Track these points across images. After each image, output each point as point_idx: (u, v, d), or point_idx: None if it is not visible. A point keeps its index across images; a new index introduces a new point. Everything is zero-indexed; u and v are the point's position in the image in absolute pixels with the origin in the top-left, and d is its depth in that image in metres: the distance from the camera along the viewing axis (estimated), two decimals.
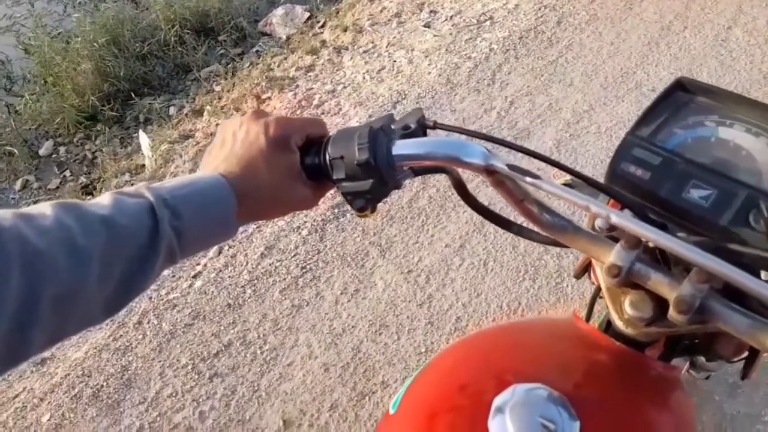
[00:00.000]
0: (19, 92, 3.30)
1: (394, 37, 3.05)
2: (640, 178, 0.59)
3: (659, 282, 0.57)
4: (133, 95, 3.12)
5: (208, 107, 2.90)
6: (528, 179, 0.54)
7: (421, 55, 2.87)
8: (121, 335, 1.81)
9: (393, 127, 0.60)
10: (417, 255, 1.97)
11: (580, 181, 0.59)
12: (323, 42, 3.16)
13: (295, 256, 2.00)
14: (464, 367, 0.65)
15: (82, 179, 2.82)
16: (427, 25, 3.09)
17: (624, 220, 0.50)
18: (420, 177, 2.17)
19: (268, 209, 0.60)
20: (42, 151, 2.96)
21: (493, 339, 0.70)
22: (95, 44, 3.15)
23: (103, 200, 0.49)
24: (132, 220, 0.48)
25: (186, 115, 2.95)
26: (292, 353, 1.74)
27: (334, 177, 0.57)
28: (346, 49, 3.05)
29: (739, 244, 0.54)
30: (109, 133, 3.00)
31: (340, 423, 1.58)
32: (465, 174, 0.67)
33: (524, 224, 0.70)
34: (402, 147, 0.57)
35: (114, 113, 3.04)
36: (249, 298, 1.89)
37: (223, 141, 0.60)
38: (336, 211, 2.10)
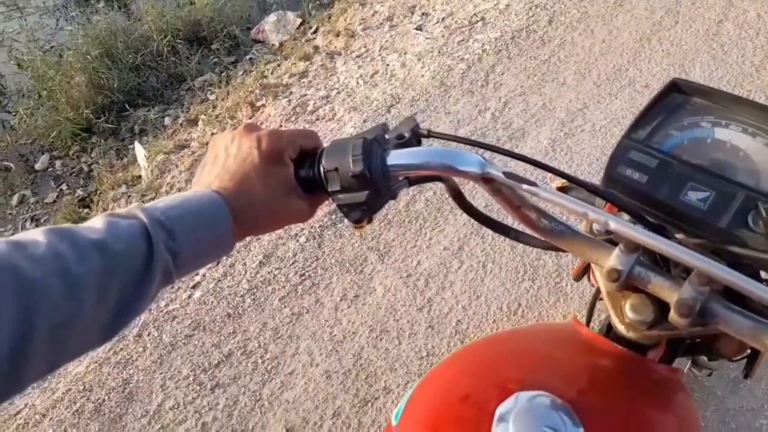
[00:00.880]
0: (13, 107, 3.29)
1: (387, 41, 3.05)
2: (636, 181, 0.58)
3: (660, 285, 0.57)
4: (127, 106, 3.12)
5: (202, 116, 2.90)
6: (525, 187, 0.53)
7: (414, 58, 2.87)
8: (121, 348, 1.81)
9: (387, 136, 0.60)
10: (415, 259, 1.96)
11: (579, 186, 0.59)
12: (316, 48, 3.16)
13: (293, 263, 1.99)
14: (465, 376, 0.64)
15: (79, 192, 2.81)
16: (419, 28, 3.09)
17: (622, 226, 0.50)
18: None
19: (264, 224, 0.59)
20: (38, 166, 2.95)
21: (494, 347, 0.70)
22: (88, 57, 3.14)
23: (96, 224, 0.48)
24: (126, 244, 0.47)
25: (181, 125, 2.95)
26: (293, 361, 1.74)
27: (329, 189, 0.57)
28: (339, 54, 3.05)
29: (738, 246, 0.53)
30: (104, 145, 2.99)
31: (343, 430, 1.58)
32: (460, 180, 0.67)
33: (522, 229, 0.69)
34: (397, 157, 0.57)
35: (109, 125, 3.04)
36: (248, 307, 1.88)
37: (216, 156, 0.59)
38: (333, 217, 2.10)
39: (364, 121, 2.53)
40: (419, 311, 1.82)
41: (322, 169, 0.57)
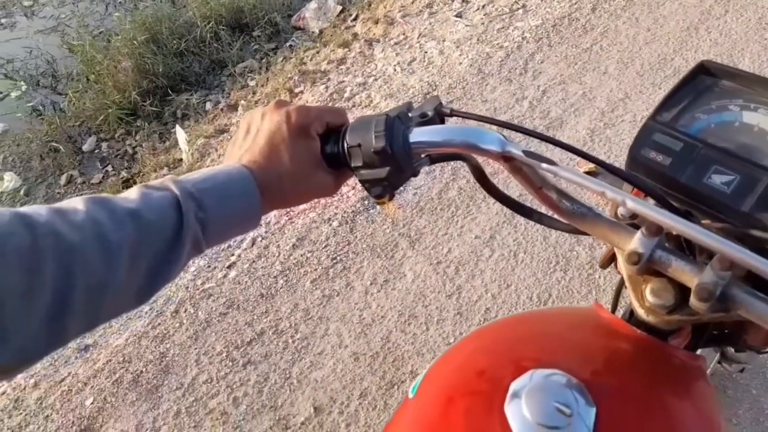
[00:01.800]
0: (63, 90, 3.42)
1: (426, 28, 3.04)
2: (660, 164, 0.58)
3: (680, 269, 0.56)
4: (170, 91, 3.20)
5: (242, 102, 2.96)
6: (544, 165, 0.53)
7: (453, 45, 2.85)
8: (159, 323, 1.88)
9: (410, 115, 0.61)
10: (446, 246, 1.97)
11: (604, 170, 0.59)
12: (355, 35, 3.17)
13: (326, 247, 2.03)
14: (483, 353, 0.65)
15: (123, 174, 2.91)
16: (459, 15, 3.07)
17: (640, 205, 0.50)
18: (450, 169, 2.14)
19: (290, 197, 0.61)
20: (85, 147, 3.07)
21: (513, 327, 0.70)
22: (135, 42, 3.24)
23: (131, 194, 0.51)
24: (158, 213, 0.50)
25: (221, 110, 3.01)
26: (322, 342, 1.77)
27: (352, 165, 0.58)
28: (378, 41, 3.06)
29: (761, 230, 0.53)
30: (148, 129, 3.08)
31: (369, 411, 1.61)
32: (487, 163, 0.68)
33: (545, 212, 0.70)
34: (418, 134, 0.57)
35: (153, 109, 3.12)
36: (281, 288, 1.93)
37: (247, 131, 0.61)
38: (366, 202, 2.12)
39: None
40: (448, 298, 1.83)
41: (345, 145, 0.58)
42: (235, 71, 3.29)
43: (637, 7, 2.84)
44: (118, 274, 0.47)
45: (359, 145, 0.57)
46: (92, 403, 1.70)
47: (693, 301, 0.54)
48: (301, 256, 2.01)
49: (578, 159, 0.61)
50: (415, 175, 0.60)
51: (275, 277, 1.96)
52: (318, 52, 3.15)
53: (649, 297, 0.61)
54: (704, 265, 0.55)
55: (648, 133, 0.59)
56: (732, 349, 1.04)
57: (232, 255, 2.06)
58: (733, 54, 2.51)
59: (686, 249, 0.66)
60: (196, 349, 1.80)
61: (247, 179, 0.56)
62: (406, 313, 1.81)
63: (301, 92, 2.86)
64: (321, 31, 3.39)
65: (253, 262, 2.02)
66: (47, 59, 3.60)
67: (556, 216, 0.65)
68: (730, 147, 0.56)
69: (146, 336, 1.85)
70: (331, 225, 2.09)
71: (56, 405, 1.71)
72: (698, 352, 0.76)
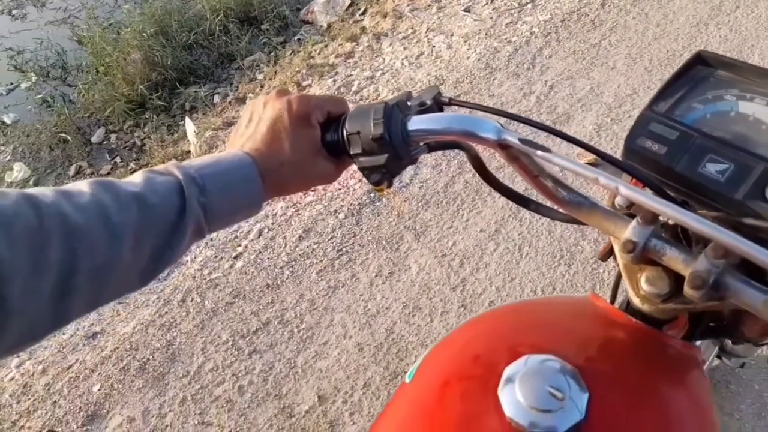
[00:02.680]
0: (73, 82, 3.45)
1: (434, 23, 3.04)
2: (656, 153, 0.58)
3: (674, 258, 0.57)
4: (179, 84, 3.22)
5: (250, 95, 2.97)
6: (539, 153, 0.54)
7: (461, 40, 2.85)
8: (166, 312, 1.90)
9: (409, 103, 0.62)
10: (451, 239, 1.98)
11: (603, 160, 0.59)
12: (363, 29, 3.18)
13: (331, 239, 2.04)
14: (479, 339, 0.66)
15: (132, 165, 2.93)
16: (467, 10, 3.06)
17: (633, 191, 0.51)
18: (456, 162, 2.14)
19: (291, 184, 0.62)
20: (94, 139, 3.10)
21: (510, 314, 0.71)
22: (144, 34, 3.26)
23: (135, 178, 0.53)
24: (162, 198, 0.51)
25: (229, 102, 3.03)
26: (327, 332, 1.79)
27: (351, 152, 0.59)
28: (386, 35, 3.06)
29: (755, 219, 0.53)
30: (156, 121, 3.11)
31: (372, 400, 1.62)
32: (485, 152, 0.68)
33: (541, 201, 0.70)
34: (416, 122, 0.58)
35: (161, 101, 3.15)
36: (287, 278, 1.94)
37: (249, 119, 0.62)
38: (372, 195, 2.13)
39: None
40: (452, 290, 1.84)
41: (345, 132, 0.59)
42: (243, 64, 3.30)
43: (647, 2, 2.83)
44: (122, 255, 0.49)
45: (358, 133, 0.58)
46: (99, 390, 1.73)
47: (687, 289, 0.55)
48: (307, 247, 2.03)
49: (578, 150, 0.61)
50: (413, 162, 0.61)
51: (281, 267, 1.98)
52: (326, 46, 3.16)
53: (644, 285, 0.62)
54: (698, 254, 0.56)
55: (644, 122, 0.59)
56: (730, 342, 1.05)
57: (239, 245, 2.08)
58: (743, 50, 2.50)
59: (682, 239, 0.67)
60: (202, 337, 1.82)
61: (249, 166, 0.57)
62: (411, 305, 1.82)
63: (309, 85, 2.87)
64: (329, 25, 3.39)
65: (260, 252, 2.04)
66: (57, 51, 3.63)
67: (552, 205, 0.66)
68: (726, 136, 0.57)
69: (153, 324, 1.87)
70: (337, 217, 2.10)
71: (64, 391, 1.74)
72: (697, 344, 0.76)
